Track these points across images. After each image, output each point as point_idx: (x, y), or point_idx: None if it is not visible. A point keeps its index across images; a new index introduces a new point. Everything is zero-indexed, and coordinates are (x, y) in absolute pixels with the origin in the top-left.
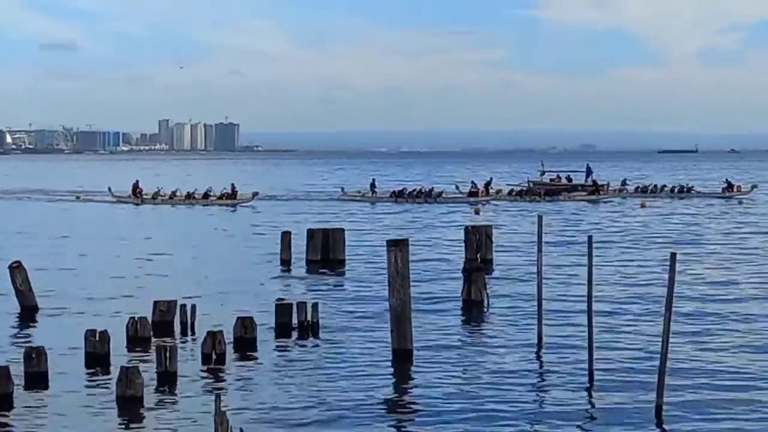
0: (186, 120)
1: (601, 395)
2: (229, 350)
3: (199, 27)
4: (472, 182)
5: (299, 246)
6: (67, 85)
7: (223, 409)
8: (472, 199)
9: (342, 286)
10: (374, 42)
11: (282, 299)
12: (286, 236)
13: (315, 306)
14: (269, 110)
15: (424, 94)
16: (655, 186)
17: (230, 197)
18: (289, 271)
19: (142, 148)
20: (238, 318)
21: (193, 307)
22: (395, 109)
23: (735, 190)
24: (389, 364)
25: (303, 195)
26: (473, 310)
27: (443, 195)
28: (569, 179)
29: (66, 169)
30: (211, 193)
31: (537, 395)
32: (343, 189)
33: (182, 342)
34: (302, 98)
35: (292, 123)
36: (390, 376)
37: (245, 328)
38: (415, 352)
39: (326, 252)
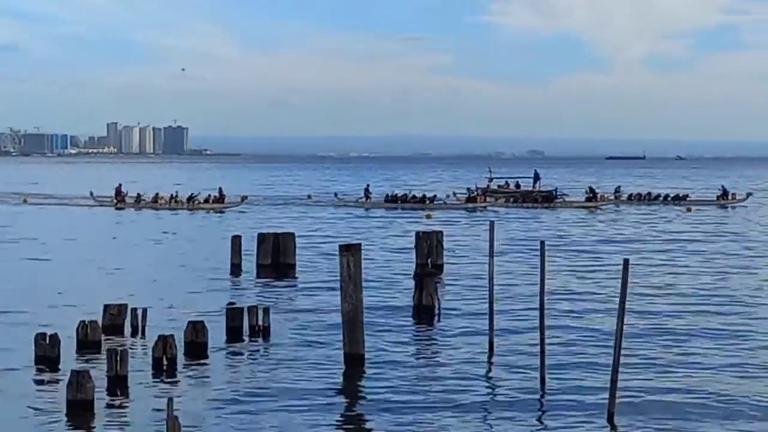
0: (134, 123)
1: (552, 401)
2: (180, 354)
3: (145, 29)
4: (468, 188)
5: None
6: (11, 87)
7: (175, 413)
8: (470, 204)
9: (294, 290)
10: (323, 46)
11: (233, 303)
12: (236, 240)
13: (266, 310)
14: (218, 114)
15: (373, 99)
16: (650, 194)
17: (218, 201)
18: (239, 275)
19: (90, 150)
20: (189, 322)
21: (144, 310)
22: (344, 114)
23: (730, 198)
24: (341, 368)
25: (284, 200)
26: (424, 316)
27: (444, 202)
28: (518, 185)
29: (14, 170)
30: (197, 197)
31: (488, 401)
32: (336, 194)
33: (133, 346)
34: (251, 102)
35: (241, 127)
36: (342, 381)
37: (196, 332)
38: (366, 357)
39: (277, 256)
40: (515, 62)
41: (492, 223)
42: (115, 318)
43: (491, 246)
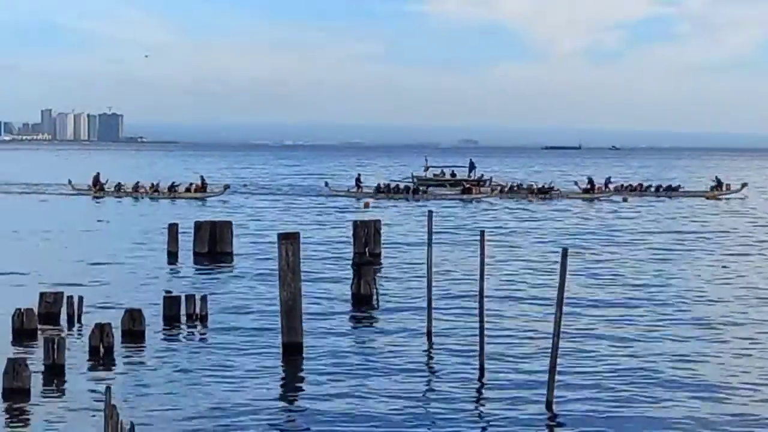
0: (69, 110)
1: (491, 390)
2: (118, 342)
3: (80, 17)
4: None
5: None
6: None
7: (112, 402)
8: (465, 196)
9: (231, 278)
10: (258, 35)
11: (170, 292)
12: (173, 228)
13: (204, 298)
14: (153, 102)
15: (308, 87)
16: (641, 185)
17: (199, 190)
18: (176, 263)
19: (24, 137)
20: (126, 310)
21: (80, 298)
22: (276, 101)
23: (725, 188)
24: (279, 357)
25: (271, 188)
26: (363, 304)
27: (430, 191)
28: (453, 174)
29: None
30: (177, 186)
31: (427, 389)
32: (327, 183)
33: (70, 334)
34: (185, 90)
35: (176, 115)
36: (280, 370)
37: (133, 320)
38: (304, 346)
39: (213, 244)
40: (449, 51)
41: (430, 213)
42: (51, 306)
43: (429, 235)
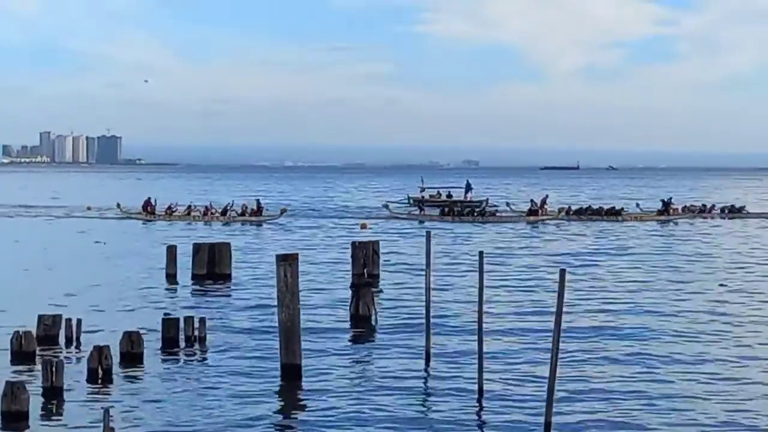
0: (68, 132)
1: (490, 411)
2: (116, 365)
3: (79, 38)
4: (532, 200)
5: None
6: None
7: (111, 425)
8: (531, 218)
9: (230, 300)
10: (257, 56)
11: (168, 314)
12: (171, 250)
13: (202, 321)
14: (152, 123)
15: (308, 108)
16: (704, 206)
17: (255, 214)
18: (175, 285)
19: (23, 160)
20: (124, 332)
21: (79, 321)
22: (278, 123)
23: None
24: (278, 379)
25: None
26: (361, 326)
27: (496, 214)
28: (449, 195)
29: None
30: (231, 209)
31: (426, 412)
32: (387, 205)
33: (68, 356)
34: (184, 111)
35: (175, 136)
36: (278, 392)
37: (132, 342)
38: (303, 368)
39: (212, 266)
40: (451, 72)
41: (428, 234)
42: (49, 328)
43: (428, 256)
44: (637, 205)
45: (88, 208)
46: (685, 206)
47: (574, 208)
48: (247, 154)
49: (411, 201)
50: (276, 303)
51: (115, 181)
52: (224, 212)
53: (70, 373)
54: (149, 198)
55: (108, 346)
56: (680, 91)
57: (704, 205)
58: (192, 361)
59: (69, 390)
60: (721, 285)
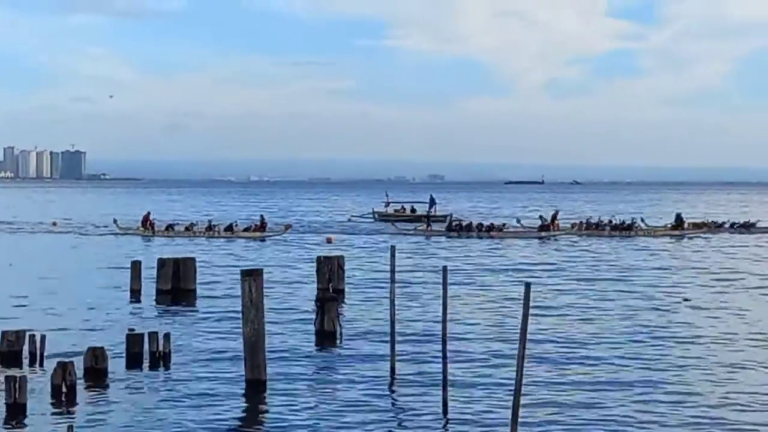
0: (31, 147)
1: (455, 425)
2: (81, 381)
3: (41, 54)
4: (541, 216)
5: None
6: None
7: None
8: (544, 233)
9: (195, 315)
10: (222, 70)
11: (133, 329)
12: (136, 266)
13: (167, 336)
14: (116, 138)
15: (274, 123)
16: (714, 222)
17: (258, 229)
18: (139, 301)
19: None
20: (88, 348)
21: (43, 337)
22: (244, 138)
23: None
24: (242, 394)
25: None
26: (326, 341)
27: (504, 228)
28: (413, 210)
29: None
30: (236, 226)
31: (391, 426)
32: (394, 223)
33: (32, 372)
34: (149, 126)
35: (139, 151)
36: (243, 407)
37: (96, 358)
38: (268, 383)
39: (177, 281)
40: (417, 87)
41: (393, 248)
42: (12, 344)
43: (392, 271)
44: (642, 219)
45: (54, 224)
46: (701, 221)
47: (585, 222)
48: (212, 168)
49: (376, 215)
50: (241, 318)
51: (80, 196)
52: (228, 228)
53: (33, 389)
54: (148, 213)
55: (72, 363)
56: (645, 106)
57: (714, 221)
58: (156, 376)
59: (33, 406)
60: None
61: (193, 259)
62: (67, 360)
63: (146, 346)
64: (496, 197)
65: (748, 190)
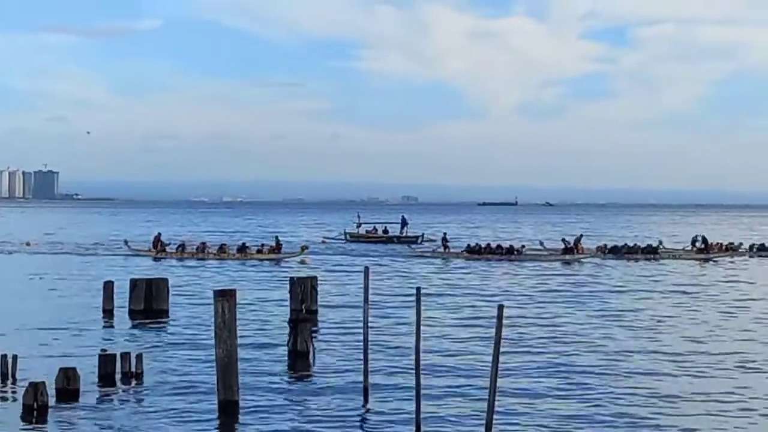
0: (4, 167)
1: None
2: (52, 401)
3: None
4: (564, 239)
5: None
6: None
7: None
8: (568, 257)
9: (167, 336)
10: (195, 91)
11: (105, 350)
12: (108, 286)
13: (139, 357)
14: (89, 158)
15: (247, 144)
16: (732, 243)
17: (274, 251)
18: (112, 321)
19: None
20: (60, 369)
21: (14, 357)
22: (217, 158)
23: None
24: (215, 415)
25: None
26: (299, 362)
27: (525, 252)
28: (385, 231)
29: None
30: (249, 247)
31: None
32: (411, 245)
33: (3, 392)
34: (123, 146)
35: (113, 171)
36: (216, 428)
37: (68, 378)
38: (241, 404)
39: (149, 302)
40: (391, 108)
41: (366, 269)
42: None
43: (366, 291)
44: (660, 243)
45: (27, 244)
46: (725, 244)
47: (609, 245)
48: (185, 189)
49: (347, 236)
50: (214, 338)
51: (54, 215)
52: (241, 249)
53: (5, 409)
54: (158, 234)
55: (44, 383)
56: (618, 128)
57: (732, 243)
58: (128, 397)
59: (3, 426)
60: None
61: (165, 280)
62: (38, 380)
63: (119, 366)
64: (472, 218)
65: (722, 212)
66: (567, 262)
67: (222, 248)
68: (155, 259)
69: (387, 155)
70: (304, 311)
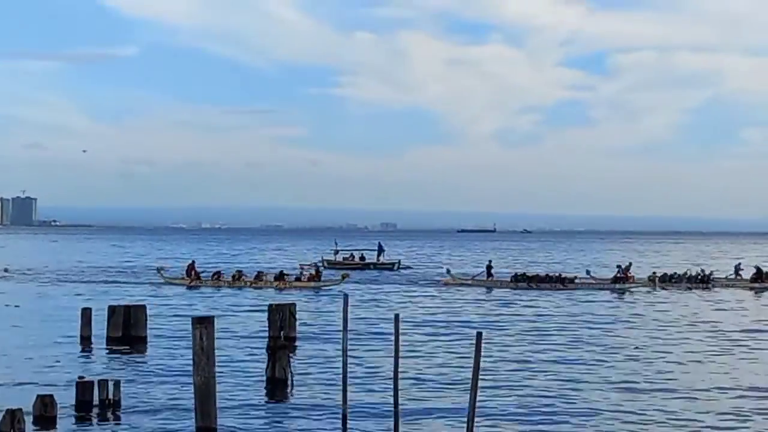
0: None
1: None
2: (30, 429)
3: None
4: (619, 266)
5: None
6: None
7: None
8: (617, 285)
9: (145, 363)
10: (173, 117)
11: (83, 377)
12: (86, 313)
13: (117, 384)
14: (67, 185)
15: (225, 170)
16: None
17: (313, 279)
18: (89, 348)
19: None
20: (37, 396)
21: None
22: (195, 185)
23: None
24: None
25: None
26: (277, 389)
27: (576, 281)
28: (362, 258)
29: None
30: (287, 275)
31: None
32: (449, 271)
33: None
34: (100, 172)
35: (91, 197)
36: None
37: (45, 406)
38: (219, 431)
39: (127, 329)
40: (368, 135)
41: (346, 297)
42: None
43: (345, 319)
44: (710, 273)
45: (5, 270)
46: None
47: (659, 274)
48: (163, 214)
49: (325, 263)
50: (191, 365)
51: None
52: (279, 278)
53: None
54: (193, 262)
55: (21, 410)
56: (595, 155)
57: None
58: (106, 424)
59: None
60: None
61: (144, 306)
62: (15, 407)
63: (96, 393)
64: (453, 245)
65: (700, 239)
66: (620, 291)
67: (259, 276)
68: (189, 287)
69: (365, 182)
70: (282, 338)
